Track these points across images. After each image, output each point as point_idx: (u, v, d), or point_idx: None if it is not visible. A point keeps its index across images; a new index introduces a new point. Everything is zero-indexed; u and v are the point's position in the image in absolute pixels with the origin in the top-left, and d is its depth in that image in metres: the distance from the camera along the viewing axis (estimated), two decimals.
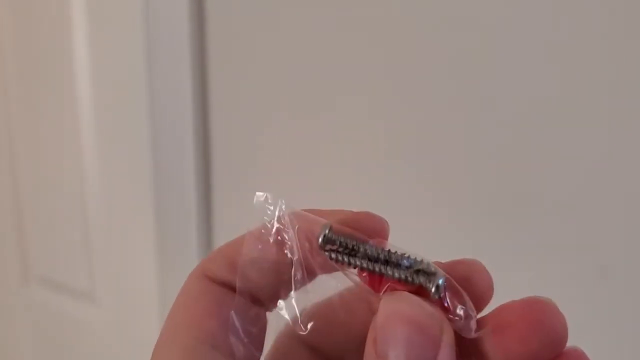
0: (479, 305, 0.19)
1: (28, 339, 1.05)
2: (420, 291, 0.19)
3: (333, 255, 0.20)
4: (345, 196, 0.62)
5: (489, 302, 0.20)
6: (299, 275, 0.20)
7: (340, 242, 0.20)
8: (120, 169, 0.85)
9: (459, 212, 0.56)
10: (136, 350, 0.89)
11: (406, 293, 0.18)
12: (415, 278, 0.19)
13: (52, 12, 0.85)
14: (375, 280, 0.19)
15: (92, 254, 0.91)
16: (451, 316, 0.18)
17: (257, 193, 0.21)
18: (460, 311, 0.18)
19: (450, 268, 0.19)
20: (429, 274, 0.19)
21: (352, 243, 0.20)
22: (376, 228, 0.21)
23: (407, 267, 0.19)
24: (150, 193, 0.77)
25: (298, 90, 0.63)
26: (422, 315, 0.17)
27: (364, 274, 0.20)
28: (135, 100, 0.77)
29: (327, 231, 0.20)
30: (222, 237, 0.73)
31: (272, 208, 0.21)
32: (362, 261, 0.20)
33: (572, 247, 0.51)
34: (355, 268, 0.20)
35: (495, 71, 0.52)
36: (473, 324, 0.18)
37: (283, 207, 0.21)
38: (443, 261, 0.20)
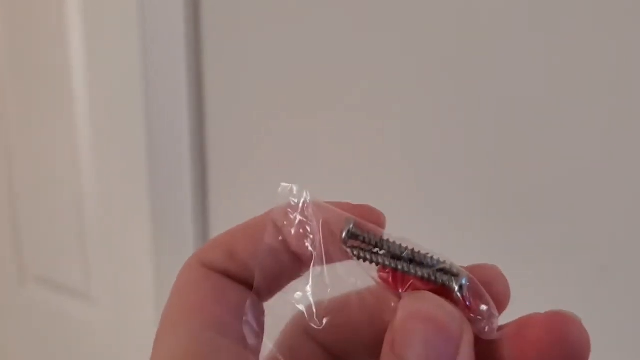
0: (498, 310, 0.19)
1: (25, 338, 1.05)
2: (442, 291, 0.18)
3: (355, 252, 0.19)
4: (342, 195, 0.61)
5: (506, 307, 0.19)
6: (318, 270, 0.20)
7: (364, 238, 0.19)
8: (116, 168, 0.85)
9: (457, 211, 0.56)
10: (133, 349, 0.89)
11: (427, 292, 0.18)
12: (438, 277, 0.18)
13: (48, 13, 0.85)
14: (398, 279, 0.19)
15: (89, 253, 0.90)
16: (473, 315, 0.18)
17: (282, 184, 0.21)
18: (483, 309, 0.18)
19: (470, 271, 0.19)
20: (452, 274, 0.18)
21: (375, 240, 0.19)
22: (373, 221, 0.20)
23: (431, 266, 0.19)
24: (147, 192, 0.77)
25: (294, 89, 0.63)
26: (443, 315, 0.17)
27: (387, 271, 0.19)
28: (131, 100, 0.77)
29: (351, 226, 0.19)
30: (218, 233, 0.72)
31: (295, 200, 0.21)
32: (385, 258, 0.19)
33: (571, 247, 0.51)
34: (377, 265, 0.19)
35: (495, 70, 0.52)
36: (496, 324, 0.18)
37: (308, 198, 0.20)
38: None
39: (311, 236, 0.20)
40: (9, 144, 0.96)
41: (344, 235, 0.19)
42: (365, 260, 0.19)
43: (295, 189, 0.21)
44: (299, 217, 0.20)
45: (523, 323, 0.18)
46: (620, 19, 0.46)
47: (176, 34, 0.68)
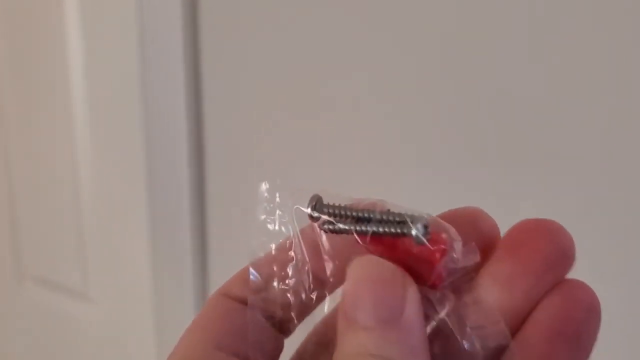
0: (490, 243, 0.20)
1: (22, 337, 1.05)
2: (408, 241, 0.19)
3: (325, 227, 0.20)
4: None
5: (497, 239, 0.20)
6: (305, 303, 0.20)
7: (330, 212, 0.20)
8: (113, 168, 0.85)
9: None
10: (130, 347, 0.89)
11: (369, 256, 0.19)
12: (398, 228, 0.19)
13: (47, 13, 0.85)
14: (371, 241, 0.20)
15: (86, 252, 0.90)
16: (443, 247, 0.19)
17: (263, 184, 0.21)
18: (444, 238, 0.19)
19: (452, 216, 0.20)
20: (413, 222, 0.19)
21: (340, 210, 0.20)
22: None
23: (391, 222, 0.19)
24: (145, 193, 0.77)
25: (292, 89, 0.63)
26: (383, 275, 0.18)
27: (362, 237, 0.20)
28: (129, 100, 0.77)
29: (314, 203, 0.20)
30: (216, 234, 0.73)
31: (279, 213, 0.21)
32: (352, 225, 0.20)
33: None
34: (345, 233, 0.20)
35: (495, 69, 0.52)
36: (458, 247, 0.19)
37: (296, 230, 0.21)
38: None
39: (291, 281, 0.21)
40: (7, 144, 0.96)
41: (309, 211, 0.20)
42: (333, 232, 0.20)
43: (277, 196, 0.21)
44: (275, 268, 0.21)
45: (509, 235, 0.20)
46: (620, 19, 0.47)
47: (174, 34, 0.68)
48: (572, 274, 0.19)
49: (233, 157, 0.69)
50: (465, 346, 0.19)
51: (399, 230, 0.19)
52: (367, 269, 0.18)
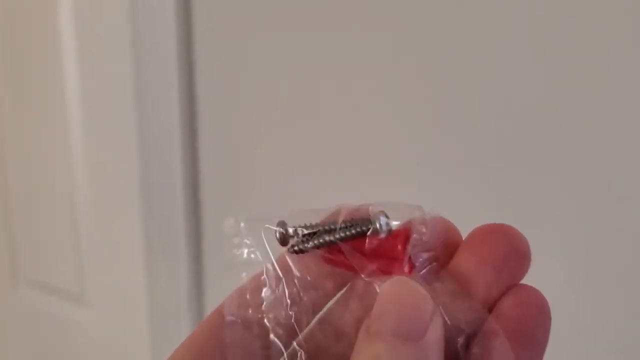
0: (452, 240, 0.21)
1: (17, 341, 1.04)
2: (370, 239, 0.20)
3: (296, 248, 0.20)
4: (337, 198, 0.61)
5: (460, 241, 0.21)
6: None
7: (297, 233, 0.20)
8: (108, 171, 0.85)
9: (459, 215, 0.56)
10: (126, 351, 0.89)
11: (403, 278, 0.19)
12: (358, 229, 0.20)
13: (39, 12, 0.85)
14: (335, 251, 0.21)
15: (82, 255, 0.90)
16: (404, 234, 0.20)
17: (226, 221, 0.22)
18: (408, 225, 0.20)
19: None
20: (371, 222, 0.20)
21: (304, 230, 0.21)
22: None
23: (352, 226, 0.20)
24: (139, 195, 0.77)
25: (289, 90, 0.63)
26: (414, 296, 0.18)
27: (327, 253, 0.21)
28: (124, 103, 0.77)
29: (279, 231, 0.20)
30: (211, 238, 0.73)
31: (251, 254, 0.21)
32: (317, 239, 0.20)
33: (558, 252, 0.51)
34: (318, 248, 0.21)
35: (495, 70, 0.52)
36: (420, 230, 0.20)
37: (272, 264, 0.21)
38: None
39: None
40: (2, 147, 0.96)
41: (277, 240, 0.20)
42: (302, 251, 0.21)
43: (242, 225, 0.22)
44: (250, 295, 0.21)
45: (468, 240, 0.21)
46: (620, 18, 0.47)
47: (168, 35, 0.68)
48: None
49: (227, 159, 0.69)
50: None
51: (363, 229, 0.20)
52: (399, 290, 0.19)
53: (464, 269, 0.20)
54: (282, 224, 0.21)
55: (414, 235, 0.20)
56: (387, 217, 0.20)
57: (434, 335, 0.18)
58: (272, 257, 0.21)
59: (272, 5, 0.62)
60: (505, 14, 0.50)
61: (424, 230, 0.20)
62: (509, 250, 0.20)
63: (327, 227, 0.20)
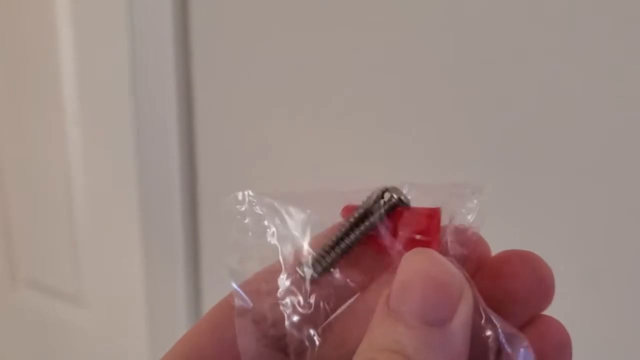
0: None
1: (15, 341, 1.04)
2: (443, 251, 0.18)
3: (315, 273, 0.20)
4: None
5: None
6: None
7: (326, 254, 0.20)
8: (106, 171, 0.85)
9: None
10: (124, 352, 0.89)
11: (430, 250, 0.18)
12: (362, 230, 0.19)
13: (35, 13, 0.85)
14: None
15: (79, 256, 0.90)
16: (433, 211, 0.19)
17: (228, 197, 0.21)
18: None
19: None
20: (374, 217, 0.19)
21: (329, 246, 0.20)
22: None
23: (357, 223, 0.19)
24: (136, 195, 0.77)
25: (285, 91, 0.63)
26: (442, 273, 0.17)
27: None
28: (121, 104, 0.77)
29: (312, 272, 0.19)
30: (209, 238, 0.72)
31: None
32: (340, 248, 0.20)
33: (557, 254, 0.51)
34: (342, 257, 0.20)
35: (491, 71, 0.52)
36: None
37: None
38: None
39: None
40: None
41: (314, 276, 0.19)
42: (326, 270, 0.19)
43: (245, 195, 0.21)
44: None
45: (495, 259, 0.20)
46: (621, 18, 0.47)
47: (165, 34, 0.68)
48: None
49: (225, 159, 0.69)
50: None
51: (364, 229, 0.19)
52: (426, 263, 0.17)
53: (488, 295, 0.18)
54: (313, 258, 0.19)
55: (450, 224, 0.18)
56: (387, 199, 0.18)
57: (463, 318, 0.16)
58: (296, 236, 0.20)
59: (267, 7, 0.62)
60: (507, 15, 0.50)
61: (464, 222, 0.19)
62: (535, 281, 0.19)
63: (339, 235, 0.19)
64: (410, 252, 0.17)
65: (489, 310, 0.18)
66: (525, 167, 0.52)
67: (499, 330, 0.17)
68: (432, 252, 0.17)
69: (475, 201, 0.19)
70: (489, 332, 0.17)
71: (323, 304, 0.19)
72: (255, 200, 0.20)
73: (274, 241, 0.20)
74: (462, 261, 0.18)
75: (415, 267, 0.17)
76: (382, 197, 0.19)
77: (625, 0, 0.45)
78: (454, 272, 0.17)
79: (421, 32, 0.54)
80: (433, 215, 0.18)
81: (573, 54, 0.48)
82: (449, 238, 0.18)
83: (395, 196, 0.19)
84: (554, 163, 0.50)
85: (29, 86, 0.90)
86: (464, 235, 0.19)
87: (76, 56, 0.82)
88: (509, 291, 0.19)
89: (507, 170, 0.52)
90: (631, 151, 0.47)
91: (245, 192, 0.20)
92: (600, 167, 0.49)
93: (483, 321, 0.17)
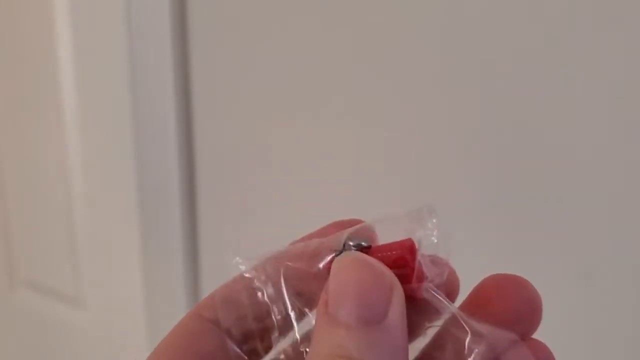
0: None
1: (14, 342, 1.04)
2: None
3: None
4: (331, 202, 0.62)
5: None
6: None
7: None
8: (105, 173, 0.85)
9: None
10: (122, 352, 0.89)
11: (356, 253, 0.19)
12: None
13: (34, 13, 0.85)
14: None
15: (78, 257, 0.90)
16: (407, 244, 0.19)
17: (236, 259, 0.21)
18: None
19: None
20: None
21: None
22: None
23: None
24: (135, 197, 0.77)
25: (283, 92, 0.63)
26: (370, 274, 0.18)
27: None
28: (120, 105, 0.77)
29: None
30: (207, 240, 0.72)
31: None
32: None
33: (556, 253, 0.51)
34: None
35: (488, 73, 0.52)
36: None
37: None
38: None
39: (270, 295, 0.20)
40: None
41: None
42: None
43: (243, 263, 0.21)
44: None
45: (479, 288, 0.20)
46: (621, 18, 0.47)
47: (163, 33, 0.68)
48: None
49: (223, 160, 0.69)
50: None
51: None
52: (354, 267, 0.18)
53: (479, 319, 0.19)
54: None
55: (421, 250, 0.19)
56: (353, 241, 0.19)
57: (398, 310, 0.17)
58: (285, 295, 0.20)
59: (265, 8, 0.62)
60: (508, 16, 0.50)
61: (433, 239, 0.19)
62: (522, 306, 0.19)
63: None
64: (338, 258, 0.18)
65: (473, 323, 0.18)
66: (520, 174, 0.52)
67: (489, 337, 0.18)
68: (357, 255, 0.18)
69: (434, 220, 0.20)
70: (479, 345, 0.18)
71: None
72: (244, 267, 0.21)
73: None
74: (440, 280, 0.19)
75: (346, 271, 0.18)
76: (350, 243, 0.20)
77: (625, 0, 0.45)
78: (382, 270, 0.18)
79: (420, 35, 0.54)
80: (405, 246, 0.19)
81: (573, 57, 0.48)
82: (421, 261, 0.19)
83: (361, 243, 0.19)
84: (553, 163, 0.50)
85: (28, 86, 0.90)
86: (434, 258, 0.19)
87: (75, 56, 0.82)
88: (498, 315, 0.19)
89: (502, 173, 0.52)
90: (631, 151, 0.47)
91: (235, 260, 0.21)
92: (601, 168, 0.49)
93: (469, 336, 0.18)
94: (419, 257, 0.19)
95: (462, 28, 0.52)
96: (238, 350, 0.20)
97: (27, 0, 0.86)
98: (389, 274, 0.18)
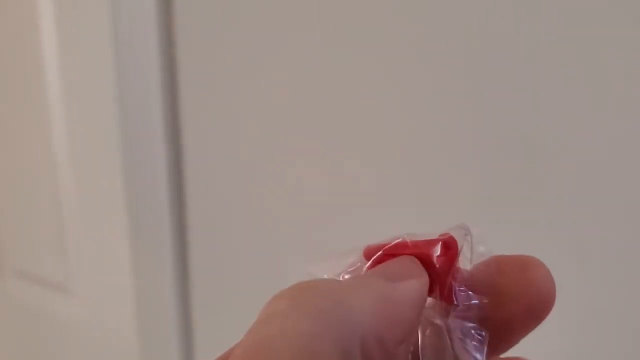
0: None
1: (2, 331, 1.04)
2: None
3: None
4: (330, 205, 0.62)
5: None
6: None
7: None
8: (92, 161, 0.84)
9: (443, 219, 0.56)
10: (112, 340, 0.89)
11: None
12: None
13: (18, 13, 0.84)
14: None
15: (67, 245, 0.90)
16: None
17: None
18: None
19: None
20: None
21: None
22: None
23: None
24: (123, 184, 0.77)
25: (275, 92, 0.63)
26: (411, 263, 0.21)
27: None
28: (105, 94, 0.76)
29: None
30: (196, 227, 0.73)
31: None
32: None
33: (556, 252, 0.51)
34: None
35: (488, 75, 0.52)
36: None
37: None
38: None
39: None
40: None
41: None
42: None
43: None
44: None
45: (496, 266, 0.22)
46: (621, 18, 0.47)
47: (149, 32, 0.68)
48: None
49: (211, 151, 0.69)
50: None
51: None
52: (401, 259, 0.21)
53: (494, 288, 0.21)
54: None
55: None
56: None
57: (410, 286, 0.19)
58: None
59: (254, 9, 0.62)
60: (510, 19, 0.50)
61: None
62: (535, 299, 0.21)
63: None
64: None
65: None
66: (526, 170, 0.52)
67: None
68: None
69: (469, 238, 0.22)
70: None
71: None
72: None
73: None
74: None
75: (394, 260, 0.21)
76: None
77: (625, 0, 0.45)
78: (418, 264, 0.21)
79: (424, 35, 0.54)
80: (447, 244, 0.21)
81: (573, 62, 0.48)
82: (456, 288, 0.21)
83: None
84: (552, 162, 0.50)
85: (13, 78, 0.89)
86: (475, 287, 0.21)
87: (60, 52, 0.82)
88: (511, 313, 0.20)
89: (507, 169, 0.53)
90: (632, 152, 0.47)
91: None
92: (600, 167, 0.49)
93: None
94: (458, 261, 0.21)
95: (462, 27, 0.52)
96: None
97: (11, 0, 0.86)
98: (422, 268, 0.20)
